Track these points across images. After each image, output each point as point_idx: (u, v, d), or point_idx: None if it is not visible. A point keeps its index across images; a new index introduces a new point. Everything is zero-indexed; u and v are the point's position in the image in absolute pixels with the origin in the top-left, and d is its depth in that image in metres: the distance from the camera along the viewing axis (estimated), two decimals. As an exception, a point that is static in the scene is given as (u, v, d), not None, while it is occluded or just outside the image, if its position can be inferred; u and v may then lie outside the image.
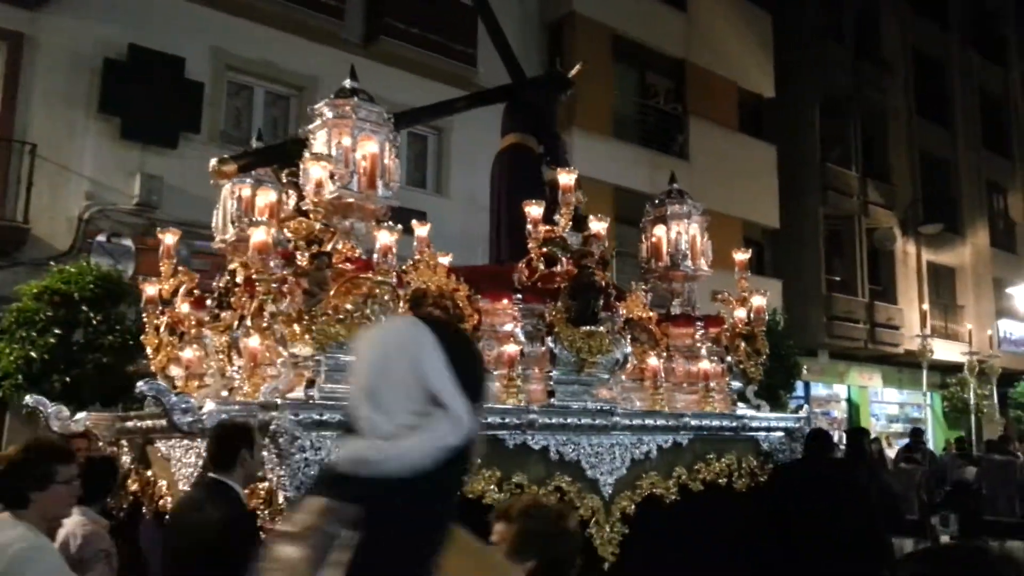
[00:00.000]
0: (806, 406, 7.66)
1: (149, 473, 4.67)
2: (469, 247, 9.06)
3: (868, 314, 22.08)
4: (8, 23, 11.58)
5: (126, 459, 5.00)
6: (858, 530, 4.93)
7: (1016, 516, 9.99)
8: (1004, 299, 25.82)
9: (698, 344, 5.60)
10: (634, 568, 4.48)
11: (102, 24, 12.21)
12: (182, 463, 4.23)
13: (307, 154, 4.14)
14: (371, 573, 1.42)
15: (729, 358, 5.68)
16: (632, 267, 13.83)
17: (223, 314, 4.62)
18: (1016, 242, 28.51)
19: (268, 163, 5.35)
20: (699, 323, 5.68)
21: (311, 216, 3.88)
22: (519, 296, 4.68)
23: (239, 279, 4.50)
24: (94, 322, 9.39)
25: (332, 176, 3.98)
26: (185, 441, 4.16)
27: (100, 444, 5.00)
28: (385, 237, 3.91)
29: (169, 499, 4.31)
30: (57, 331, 9.12)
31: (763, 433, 5.55)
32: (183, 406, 3.51)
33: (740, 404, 5.79)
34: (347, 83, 4.41)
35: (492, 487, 4.10)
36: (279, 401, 3.57)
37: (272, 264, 3.83)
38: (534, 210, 4.77)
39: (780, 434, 5.63)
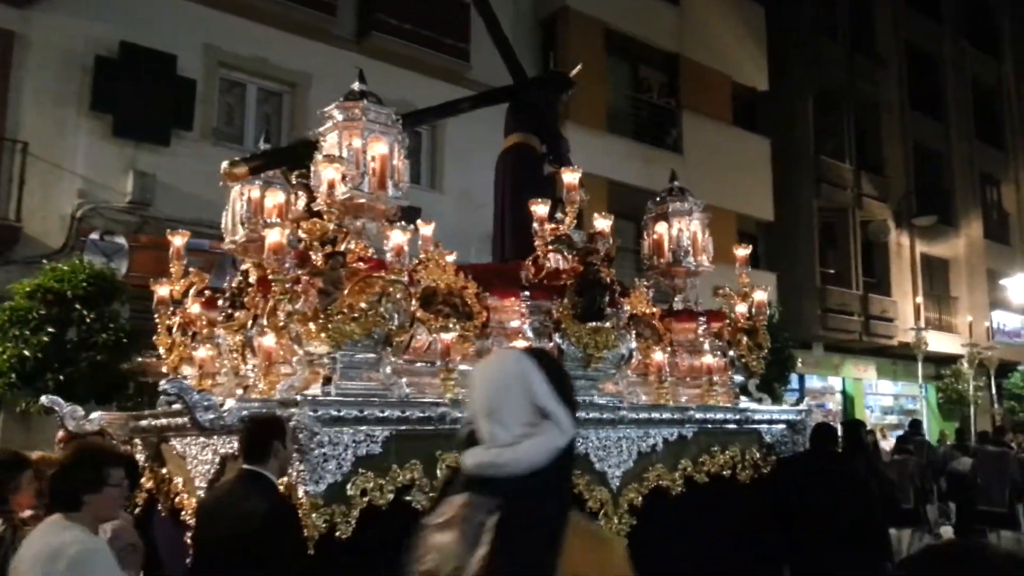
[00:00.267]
0: (807, 399, 7.79)
1: (164, 471, 4.77)
2: (464, 244, 9.17)
3: (862, 306, 22.30)
4: (-1, 21, 11.63)
5: (140, 457, 5.10)
6: (858, 522, 5.06)
7: (1006, 506, 10.18)
8: (998, 290, 26.10)
9: (701, 339, 5.75)
10: (642, 559, 4.59)
11: (93, 22, 12.24)
12: (198, 460, 4.34)
13: (319, 156, 4.25)
14: (512, 550, 1.78)
15: (731, 352, 5.83)
16: (627, 261, 14.02)
17: (237, 314, 4.72)
18: (1009, 233, 28.82)
19: (278, 165, 5.45)
20: (701, 318, 5.83)
21: (325, 217, 3.99)
22: (526, 293, 4.81)
23: (252, 279, 4.61)
24: (87, 320, 9.46)
25: (343, 177, 4.09)
26: (201, 439, 4.27)
27: (114, 442, 5.09)
28: (398, 237, 4.02)
29: (185, 496, 4.41)
30: (50, 329, 9.19)
31: (765, 426, 5.71)
32: (205, 404, 3.61)
33: (742, 397, 5.94)
34: (356, 86, 4.52)
35: (503, 481, 4.21)
36: (299, 398, 3.69)
37: (287, 264, 3.94)
38: (540, 209, 4.89)
39: (782, 427, 5.79)
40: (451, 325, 4.39)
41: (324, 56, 14.36)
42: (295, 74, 14.23)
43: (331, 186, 4.00)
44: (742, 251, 6.10)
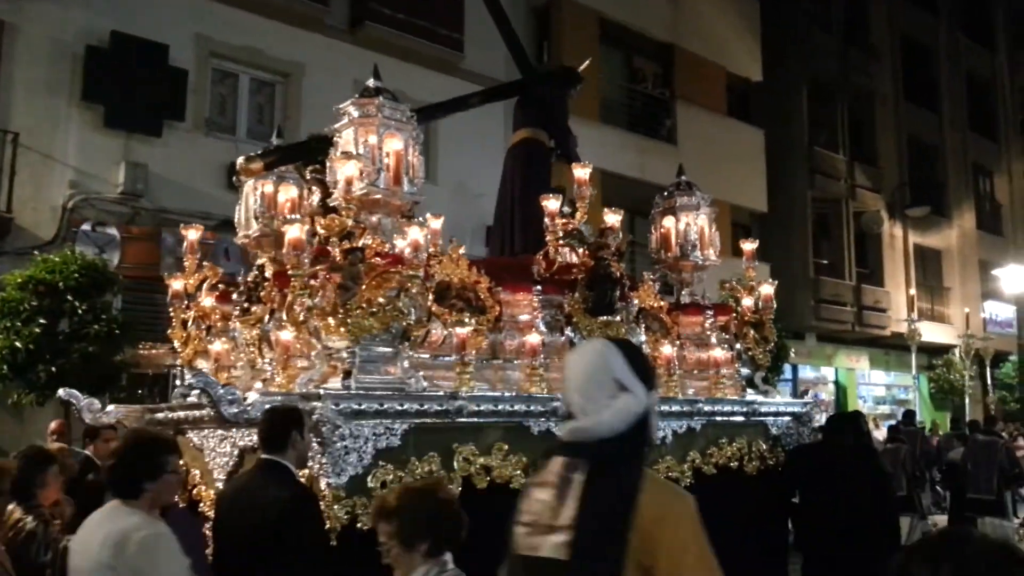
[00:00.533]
0: (811, 391, 7.94)
1: (181, 463, 4.84)
2: (458, 235, 9.24)
3: (855, 297, 22.53)
4: (-12, 11, 11.60)
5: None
6: (873, 511, 5.19)
7: (994, 494, 10.41)
8: (990, 281, 26.39)
9: (708, 332, 5.87)
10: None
11: (83, 11, 12.21)
12: (216, 452, 4.42)
13: (337, 152, 4.33)
14: (594, 502, 2.16)
15: (738, 345, 5.95)
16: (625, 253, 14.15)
17: (253, 308, 4.80)
18: (1002, 224, 29.15)
19: (292, 160, 5.52)
20: (709, 311, 5.95)
21: (342, 213, 4.07)
22: (538, 287, 4.92)
23: (268, 273, 4.69)
24: (79, 311, 9.50)
25: (360, 173, 4.17)
26: (219, 431, 4.35)
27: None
28: (415, 232, 4.12)
29: (203, 488, 4.50)
30: (42, 321, 9.23)
31: (772, 418, 5.84)
32: (230, 397, 3.71)
33: (748, 390, 6.06)
34: (371, 82, 4.60)
35: (519, 472, 4.34)
36: (322, 391, 3.78)
37: (306, 260, 4.02)
38: (551, 204, 4.99)
39: (787, 419, 5.91)
40: (466, 319, 4.49)
41: (317, 46, 14.38)
42: (288, 64, 14.24)
43: (348, 182, 4.09)
44: (748, 245, 6.22)
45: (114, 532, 2.96)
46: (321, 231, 4.02)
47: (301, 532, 3.38)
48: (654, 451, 4.99)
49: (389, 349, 4.12)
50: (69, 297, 9.50)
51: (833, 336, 22.51)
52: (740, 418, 5.62)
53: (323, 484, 3.74)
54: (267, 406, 3.72)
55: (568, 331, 4.84)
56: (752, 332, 5.94)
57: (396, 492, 2.82)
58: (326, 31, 14.58)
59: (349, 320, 3.90)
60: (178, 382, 12.56)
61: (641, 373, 2.32)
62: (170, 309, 5.44)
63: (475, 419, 4.22)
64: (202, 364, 5.20)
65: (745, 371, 6.06)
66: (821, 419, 6.58)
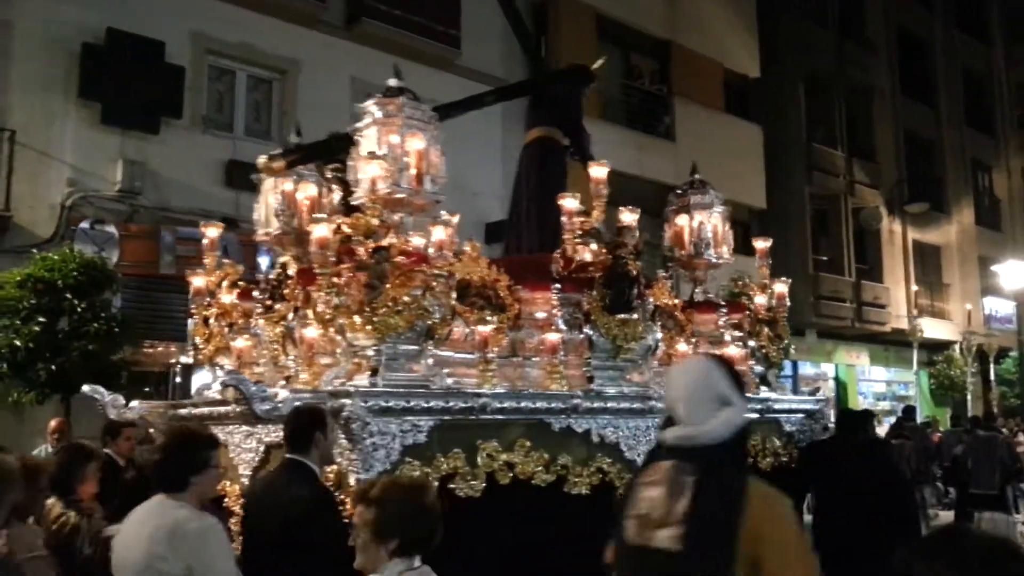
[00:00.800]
0: (823, 390, 8.09)
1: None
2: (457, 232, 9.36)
3: (855, 293, 22.71)
4: (-17, 8, 11.63)
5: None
6: (890, 506, 5.31)
7: (996, 489, 10.58)
8: (989, 277, 26.60)
9: (721, 330, 5.99)
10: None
11: (79, 8, 12.22)
12: (241, 448, 4.53)
13: (362, 152, 4.42)
14: (707, 500, 2.43)
15: (752, 343, 6.08)
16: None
17: (277, 305, 4.90)
18: (1001, 220, 29.40)
19: (314, 159, 5.61)
20: (722, 309, 6.07)
21: (367, 212, 4.17)
22: (557, 286, 5.04)
23: (291, 271, 4.78)
24: (79, 309, 9.57)
25: (384, 173, 4.27)
26: (244, 427, 4.46)
27: (151, 431, 5.27)
28: (440, 232, 4.22)
29: (227, 483, 4.59)
30: (41, 319, 9.29)
31: (785, 415, 5.96)
32: (262, 395, 3.81)
33: (762, 387, 6.19)
34: (392, 82, 4.69)
35: (540, 468, 4.46)
36: (351, 389, 3.89)
37: (332, 258, 4.12)
38: (569, 203, 5.10)
39: (801, 415, 6.04)
40: (488, 318, 4.60)
41: (314, 43, 14.44)
42: (285, 61, 14.30)
43: (374, 182, 4.19)
44: (761, 243, 6.34)
45: (165, 524, 3.07)
46: (347, 230, 4.11)
47: (320, 530, 3.49)
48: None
49: (414, 347, 4.23)
50: (68, 295, 9.57)
51: (833, 332, 22.68)
52: (754, 415, 5.73)
53: (352, 480, 3.86)
54: (294, 405, 3.82)
55: (587, 329, 4.96)
56: (766, 330, 6.08)
57: (383, 483, 2.82)
58: (323, 28, 14.64)
59: (375, 318, 4.00)
60: (179, 379, 12.67)
61: (739, 388, 2.68)
62: (192, 306, 5.53)
63: (498, 416, 4.33)
64: (224, 361, 5.31)
65: (759, 368, 6.19)
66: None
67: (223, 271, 5.56)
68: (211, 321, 5.38)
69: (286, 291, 4.91)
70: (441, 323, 4.26)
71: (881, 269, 24.25)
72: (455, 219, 5.57)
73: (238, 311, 5.36)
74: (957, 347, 23.94)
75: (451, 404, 4.16)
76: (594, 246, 5.00)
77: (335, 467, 3.90)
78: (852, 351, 23.67)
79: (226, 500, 4.57)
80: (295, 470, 3.71)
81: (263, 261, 12.20)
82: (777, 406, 5.91)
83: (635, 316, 4.99)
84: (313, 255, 4.20)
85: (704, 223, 6.24)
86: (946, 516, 12.55)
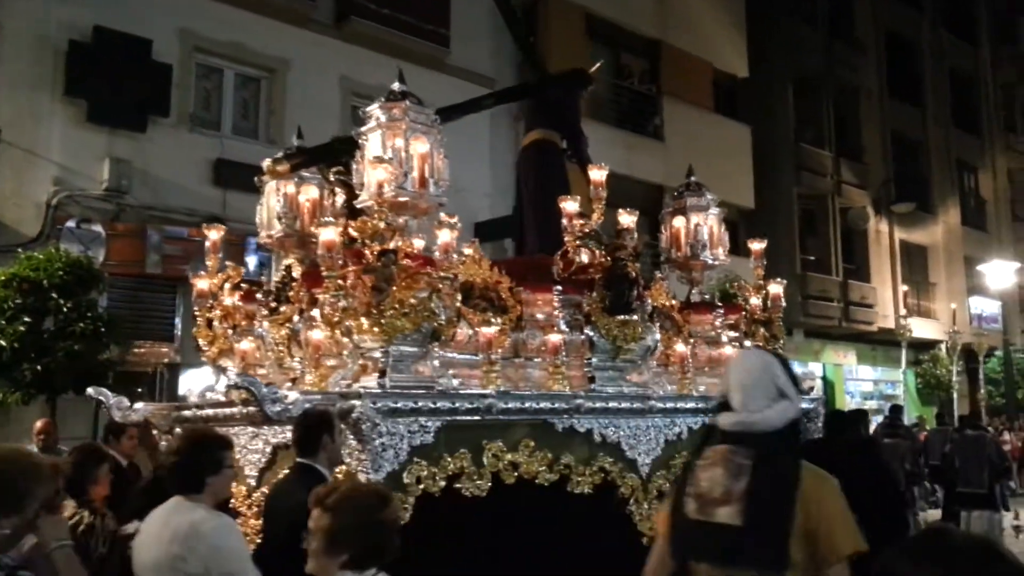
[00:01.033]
0: (815, 389, 8.23)
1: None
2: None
3: (842, 293, 22.97)
4: (-32, 5, 11.60)
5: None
6: (880, 507, 5.43)
7: (984, 487, 10.76)
8: (975, 276, 26.95)
9: (718, 330, 6.12)
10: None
11: (66, 5, 12.19)
12: (248, 449, 4.61)
13: (367, 156, 4.51)
14: (766, 481, 2.74)
15: (748, 343, 6.21)
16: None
17: (282, 307, 4.98)
18: (986, 220, 29.78)
19: (318, 162, 5.69)
20: (719, 310, 6.21)
21: (376, 216, 4.25)
22: (558, 287, 5.15)
23: (295, 273, 4.86)
24: (64, 309, 9.55)
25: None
26: (251, 429, 4.53)
27: (155, 432, 5.33)
28: (445, 235, 4.32)
29: (233, 484, 4.66)
30: (27, 319, 9.27)
31: (781, 414, 6.06)
32: (273, 396, 3.89)
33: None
34: (396, 86, 4.78)
35: (544, 468, 4.57)
36: (361, 390, 3.98)
37: (340, 261, 4.20)
38: (569, 205, 5.21)
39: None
40: (492, 319, 4.70)
41: (302, 41, 14.46)
42: (273, 59, 14.31)
43: (380, 186, 4.27)
44: (757, 245, 6.48)
45: (183, 525, 3.15)
46: (354, 233, 4.20)
47: None
48: (671, 447, 5.25)
49: (420, 349, 4.33)
50: (54, 295, 9.55)
51: (820, 332, 22.92)
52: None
53: (362, 479, 3.94)
54: (301, 410, 3.91)
55: (587, 330, 5.07)
56: (762, 330, 6.21)
57: (344, 491, 2.72)
58: (312, 26, 14.66)
59: (383, 320, 4.09)
60: (166, 380, 12.61)
61: (796, 384, 2.97)
62: (195, 308, 5.59)
63: (503, 417, 4.43)
64: (227, 363, 5.37)
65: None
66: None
67: (225, 273, 5.62)
68: (215, 323, 5.44)
69: (291, 293, 4.99)
70: (447, 325, 4.35)
71: (868, 269, 24.52)
72: (455, 220, 5.68)
73: (241, 313, 5.43)
74: (943, 346, 24.24)
75: (458, 405, 4.26)
76: (594, 248, 5.10)
77: (344, 468, 3.98)
78: (839, 350, 23.92)
79: (232, 501, 4.65)
80: (304, 474, 3.80)
81: (251, 260, 12.28)
82: (773, 406, 6.01)
83: (634, 317, 5.11)
84: (320, 258, 4.28)
85: (700, 225, 6.38)
86: (933, 515, 12.76)
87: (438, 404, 4.18)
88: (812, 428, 6.21)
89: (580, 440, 4.83)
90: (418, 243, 4.67)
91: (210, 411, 4.87)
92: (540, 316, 5.21)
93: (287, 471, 4.06)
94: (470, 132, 14.38)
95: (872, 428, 15.19)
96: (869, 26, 25.67)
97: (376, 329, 4.12)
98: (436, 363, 4.41)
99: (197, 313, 5.55)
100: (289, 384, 4.71)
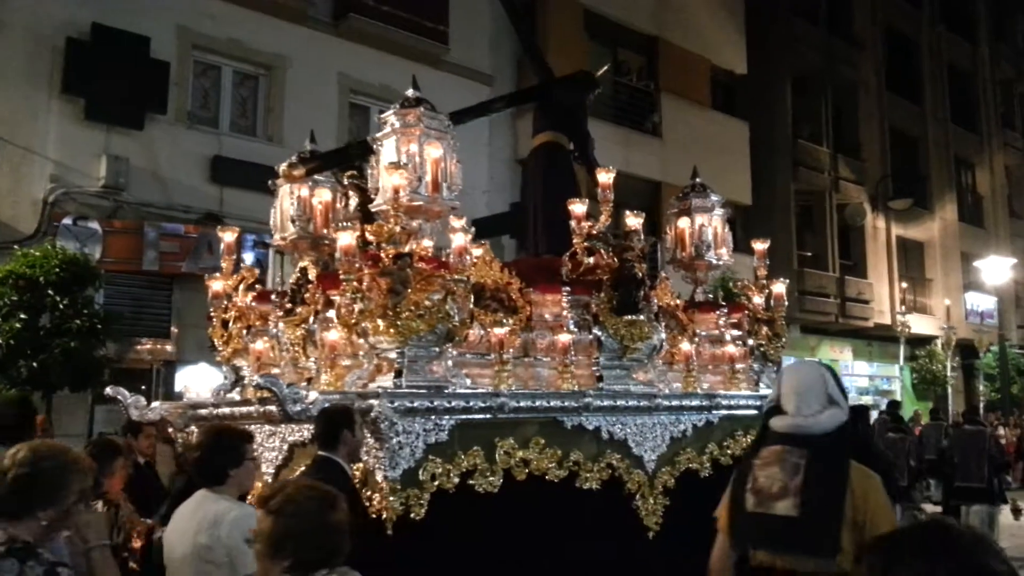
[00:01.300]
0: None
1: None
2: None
3: (839, 288, 23.18)
4: (-34, 3, 11.68)
5: (195, 444, 5.49)
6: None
7: (984, 482, 10.97)
8: (971, 273, 27.20)
9: (722, 329, 6.30)
10: (675, 536, 5.17)
11: (63, 3, 12.30)
12: (264, 447, 4.76)
13: (383, 161, 4.66)
14: (819, 477, 3.12)
15: (751, 341, 6.38)
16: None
17: (298, 309, 5.12)
18: (983, 217, 30.02)
19: (333, 166, 5.83)
20: (722, 309, 6.38)
21: (391, 220, 4.40)
22: (567, 288, 5.31)
23: (311, 276, 5.01)
24: (61, 306, 9.67)
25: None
26: (268, 427, 4.69)
27: (171, 430, 5.48)
28: (460, 239, 4.47)
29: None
30: (23, 316, 9.40)
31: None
32: (294, 396, 4.04)
33: (761, 384, 6.48)
34: (411, 92, 4.93)
35: (553, 464, 4.74)
36: (380, 390, 4.14)
37: (357, 264, 4.35)
38: (578, 208, 5.37)
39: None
40: (503, 320, 4.86)
41: (301, 38, 14.56)
42: (271, 57, 14.41)
43: (396, 191, 4.42)
44: (760, 245, 6.65)
45: (208, 516, 3.32)
46: (370, 237, 4.35)
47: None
48: (675, 443, 5.43)
49: (434, 349, 4.49)
50: (50, 292, 9.67)
51: (817, 327, 23.13)
52: (754, 411, 6.04)
53: (379, 476, 4.11)
54: (324, 406, 4.07)
55: (595, 330, 5.24)
56: (765, 329, 6.39)
57: (287, 493, 2.59)
58: (310, 23, 14.77)
59: (399, 322, 4.24)
60: (163, 377, 12.70)
61: (843, 394, 3.39)
62: (211, 309, 5.72)
63: (514, 415, 4.60)
64: (242, 362, 5.53)
65: (756, 366, 6.50)
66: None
67: (240, 274, 5.76)
68: (230, 324, 5.58)
69: (306, 295, 5.13)
70: (461, 326, 4.51)
71: (865, 265, 24.74)
72: (463, 222, 5.82)
73: (255, 313, 5.58)
74: (939, 342, 24.48)
75: (471, 404, 4.43)
76: (602, 250, 5.26)
77: (361, 465, 4.14)
78: (836, 346, 24.14)
79: (249, 497, 4.79)
80: (324, 466, 3.96)
81: (247, 257, 12.38)
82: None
83: (641, 317, 5.27)
84: (338, 262, 4.43)
85: (705, 226, 6.55)
86: (929, 509, 12.94)
87: (453, 403, 4.34)
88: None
89: (588, 437, 5.00)
90: (426, 243, 4.82)
91: (226, 409, 5.02)
92: (549, 316, 5.39)
93: (306, 465, 4.21)
94: (467, 129, 14.40)
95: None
96: (868, 23, 25.85)
97: (392, 330, 4.27)
98: (449, 363, 4.57)
99: (212, 313, 5.69)
100: (304, 384, 4.85)
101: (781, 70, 22.51)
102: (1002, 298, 26.66)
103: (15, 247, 10.65)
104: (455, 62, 16.18)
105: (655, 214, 12.28)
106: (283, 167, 5.63)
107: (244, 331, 5.53)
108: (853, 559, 2.99)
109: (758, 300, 6.54)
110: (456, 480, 4.32)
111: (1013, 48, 32.17)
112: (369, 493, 4.11)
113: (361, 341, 4.54)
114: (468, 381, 4.63)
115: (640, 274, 5.23)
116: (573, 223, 5.35)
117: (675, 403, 5.46)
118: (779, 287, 6.51)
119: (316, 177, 5.80)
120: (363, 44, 15.15)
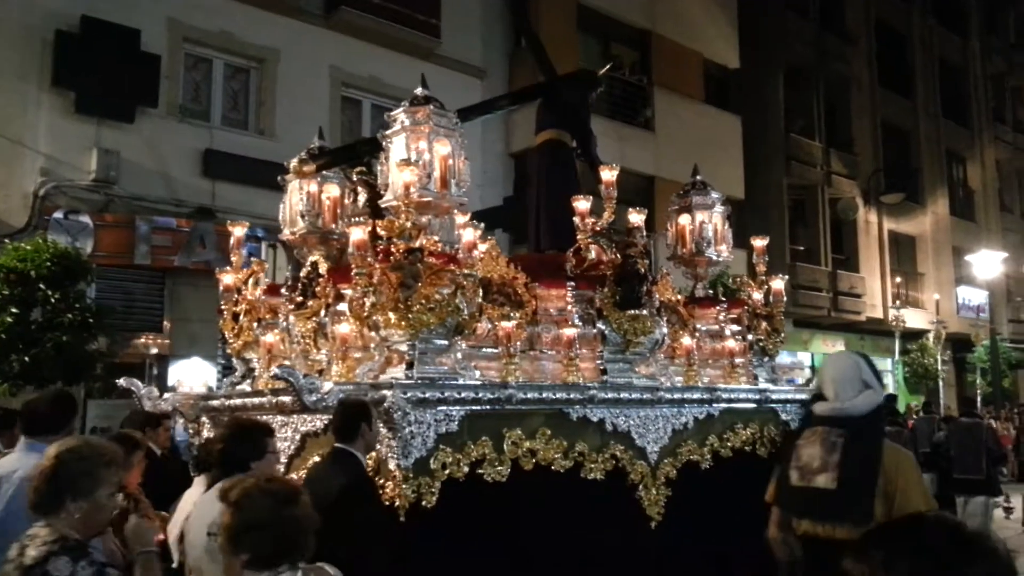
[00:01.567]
0: (799, 379, 8.62)
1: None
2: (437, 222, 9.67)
3: (831, 283, 23.47)
4: (-45, -5, 11.71)
5: (207, 435, 5.63)
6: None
7: (982, 474, 11.19)
8: (963, 267, 27.55)
9: (722, 324, 6.48)
10: (677, 526, 5.36)
11: (54, -5, 12.39)
12: (277, 437, 4.88)
13: (392, 158, 4.82)
14: (856, 454, 3.66)
15: (750, 336, 6.57)
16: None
17: (309, 302, 5.27)
18: (975, 211, 30.38)
19: (342, 163, 5.97)
20: (722, 305, 6.57)
21: (401, 216, 4.55)
22: (571, 283, 5.49)
23: (322, 270, 5.16)
24: (52, 300, 9.76)
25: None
26: (280, 417, 4.84)
27: (182, 421, 5.61)
28: (469, 234, 4.64)
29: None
30: (14, 310, 9.49)
31: (782, 404, 6.46)
32: (310, 387, 4.19)
33: (759, 378, 6.68)
34: (419, 91, 5.09)
35: (559, 455, 4.91)
36: (392, 381, 4.29)
37: (369, 259, 4.50)
38: (582, 204, 5.54)
39: (796, 405, 6.53)
40: (510, 314, 5.02)
41: (292, 31, 14.64)
42: (262, 49, 14.50)
43: (407, 188, 4.58)
44: (759, 242, 6.83)
45: None
46: (382, 232, 4.50)
47: (358, 511, 3.88)
48: (677, 435, 5.61)
49: (444, 342, 4.64)
50: (42, 286, 9.76)
51: (810, 321, 23.39)
52: (753, 405, 6.25)
53: (392, 465, 4.27)
54: (339, 399, 4.22)
55: (599, 324, 5.41)
56: (764, 324, 6.58)
57: (246, 486, 2.59)
58: (301, 16, 14.85)
59: (410, 315, 4.40)
60: (156, 371, 12.79)
61: (878, 379, 3.94)
62: (222, 303, 5.86)
63: (521, 407, 4.76)
64: (252, 355, 5.68)
65: (756, 361, 6.69)
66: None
67: (250, 269, 5.89)
68: (241, 317, 5.72)
69: (317, 289, 5.28)
70: (470, 320, 4.67)
71: (857, 259, 25.02)
72: (465, 217, 5.97)
73: (265, 307, 5.72)
74: (930, 336, 24.80)
75: (481, 395, 4.58)
76: (605, 246, 5.43)
77: (375, 454, 4.30)
78: (828, 340, 24.40)
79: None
80: (341, 458, 4.12)
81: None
82: (775, 396, 6.41)
83: (644, 312, 5.45)
84: (350, 256, 4.58)
85: (705, 222, 6.73)
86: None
87: (463, 394, 4.49)
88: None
89: (593, 429, 5.16)
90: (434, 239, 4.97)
91: (238, 401, 5.17)
92: (554, 311, 5.56)
93: (320, 456, 4.36)
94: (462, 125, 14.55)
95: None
96: (860, 17, 26.10)
97: (403, 323, 4.43)
98: (458, 355, 4.73)
99: (223, 307, 5.83)
100: (316, 375, 4.99)
101: (773, 64, 22.74)
102: (993, 292, 26.99)
103: (6, 241, 10.74)
104: (446, 55, 16.30)
105: (648, 208, 12.41)
106: (293, 163, 5.77)
107: (255, 324, 5.67)
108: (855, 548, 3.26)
109: (757, 296, 6.73)
110: (466, 469, 4.47)
111: (1004, 42, 32.51)
112: (382, 481, 4.27)
113: (372, 334, 4.69)
114: (477, 373, 4.78)
115: (642, 270, 5.40)
116: (577, 219, 5.53)
117: (677, 396, 5.63)
118: (778, 283, 6.70)
119: (325, 173, 5.94)
120: (355, 37, 15.24)
